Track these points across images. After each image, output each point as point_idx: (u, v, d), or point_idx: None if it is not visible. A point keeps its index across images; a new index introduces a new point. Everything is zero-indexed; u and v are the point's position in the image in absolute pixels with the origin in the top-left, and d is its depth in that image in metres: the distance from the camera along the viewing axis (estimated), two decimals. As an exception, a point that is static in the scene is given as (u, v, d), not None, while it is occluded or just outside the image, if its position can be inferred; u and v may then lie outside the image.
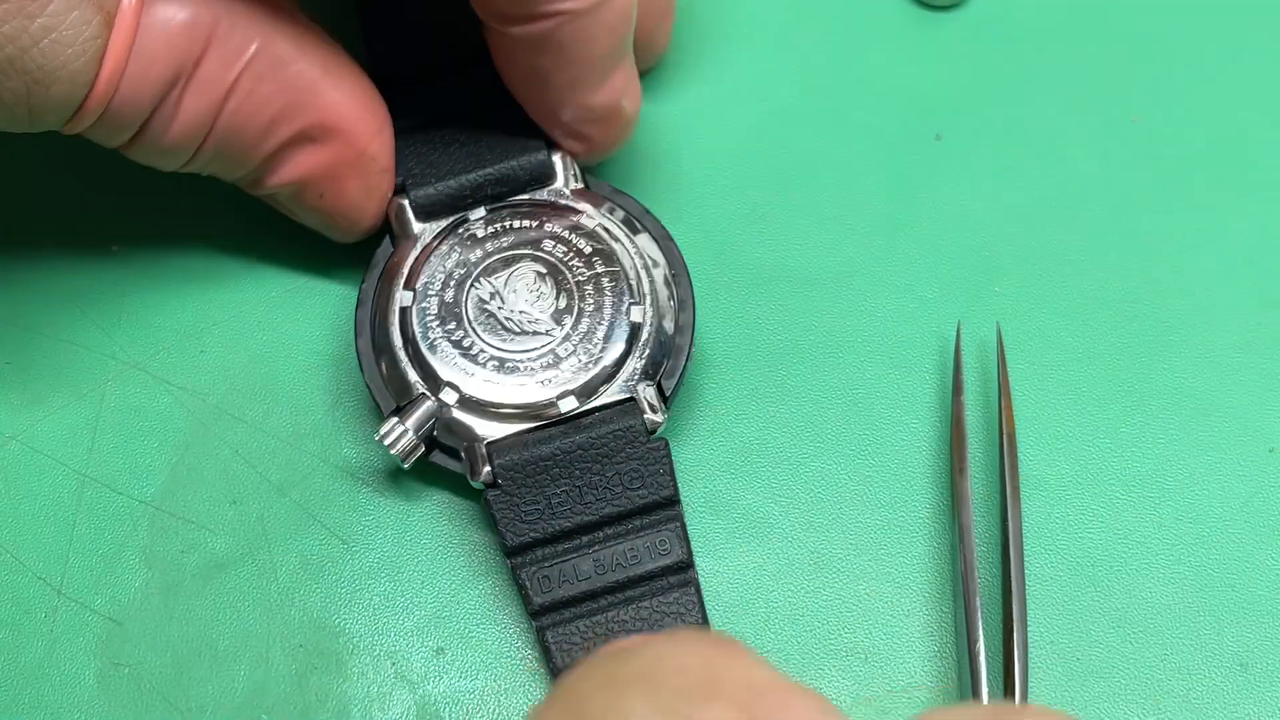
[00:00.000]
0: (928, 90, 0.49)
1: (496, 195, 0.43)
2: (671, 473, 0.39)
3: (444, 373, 0.40)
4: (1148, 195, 0.47)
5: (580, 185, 0.43)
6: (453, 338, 0.41)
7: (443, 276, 0.41)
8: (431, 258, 0.42)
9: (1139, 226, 0.47)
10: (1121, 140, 0.48)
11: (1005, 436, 0.42)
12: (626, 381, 0.40)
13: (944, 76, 0.49)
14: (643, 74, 0.45)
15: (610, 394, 0.40)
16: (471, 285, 0.41)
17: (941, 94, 0.49)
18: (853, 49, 0.50)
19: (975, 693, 0.38)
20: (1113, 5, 0.51)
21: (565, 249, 0.42)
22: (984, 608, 0.39)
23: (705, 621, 0.39)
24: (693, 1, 0.51)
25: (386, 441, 0.39)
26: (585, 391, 0.40)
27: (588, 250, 0.42)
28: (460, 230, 0.42)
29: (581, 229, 0.42)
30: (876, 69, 0.50)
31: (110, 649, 0.40)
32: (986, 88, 0.49)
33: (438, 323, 0.41)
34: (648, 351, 0.41)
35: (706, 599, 0.40)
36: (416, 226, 0.42)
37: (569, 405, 0.40)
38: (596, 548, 0.39)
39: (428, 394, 0.40)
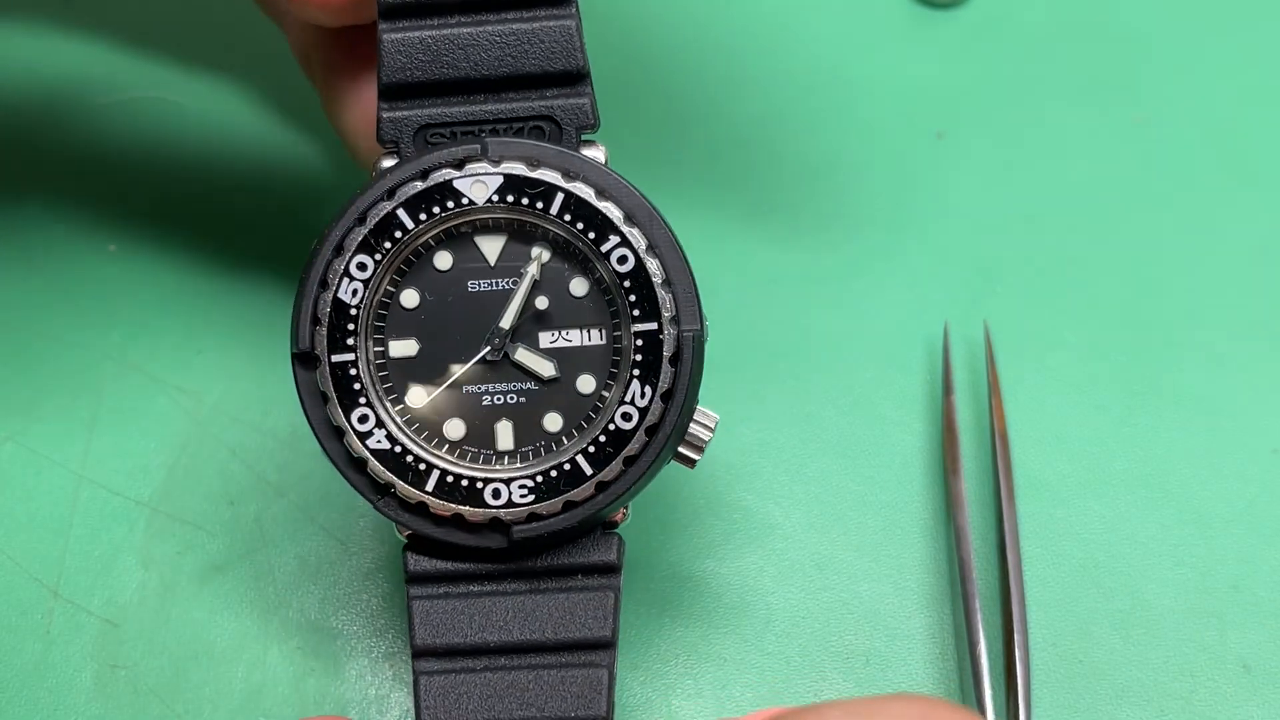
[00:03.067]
0: (929, 88, 0.49)
1: None
2: None
3: None
4: (1150, 194, 0.47)
5: None
6: None
7: None
8: None
9: (1142, 225, 0.46)
10: (1123, 139, 0.48)
11: (997, 436, 0.42)
12: None
13: (945, 74, 0.49)
14: None
15: None
16: None
17: (943, 92, 0.49)
18: (854, 47, 0.50)
19: (978, 693, 0.38)
20: (1114, 4, 0.51)
21: None
22: (985, 609, 0.39)
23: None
24: (692, 1, 0.50)
25: None
26: None
27: None
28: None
29: None
30: (878, 67, 0.49)
31: (107, 651, 0.40)
32: (988, 86, 0.49)
33: None
34: None
35: (707, 601, 0.40)
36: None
37: None
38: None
39: None
